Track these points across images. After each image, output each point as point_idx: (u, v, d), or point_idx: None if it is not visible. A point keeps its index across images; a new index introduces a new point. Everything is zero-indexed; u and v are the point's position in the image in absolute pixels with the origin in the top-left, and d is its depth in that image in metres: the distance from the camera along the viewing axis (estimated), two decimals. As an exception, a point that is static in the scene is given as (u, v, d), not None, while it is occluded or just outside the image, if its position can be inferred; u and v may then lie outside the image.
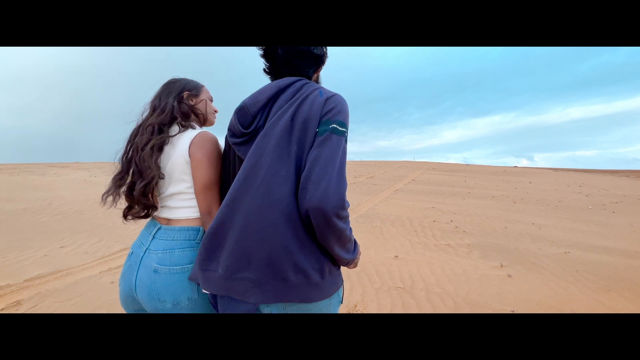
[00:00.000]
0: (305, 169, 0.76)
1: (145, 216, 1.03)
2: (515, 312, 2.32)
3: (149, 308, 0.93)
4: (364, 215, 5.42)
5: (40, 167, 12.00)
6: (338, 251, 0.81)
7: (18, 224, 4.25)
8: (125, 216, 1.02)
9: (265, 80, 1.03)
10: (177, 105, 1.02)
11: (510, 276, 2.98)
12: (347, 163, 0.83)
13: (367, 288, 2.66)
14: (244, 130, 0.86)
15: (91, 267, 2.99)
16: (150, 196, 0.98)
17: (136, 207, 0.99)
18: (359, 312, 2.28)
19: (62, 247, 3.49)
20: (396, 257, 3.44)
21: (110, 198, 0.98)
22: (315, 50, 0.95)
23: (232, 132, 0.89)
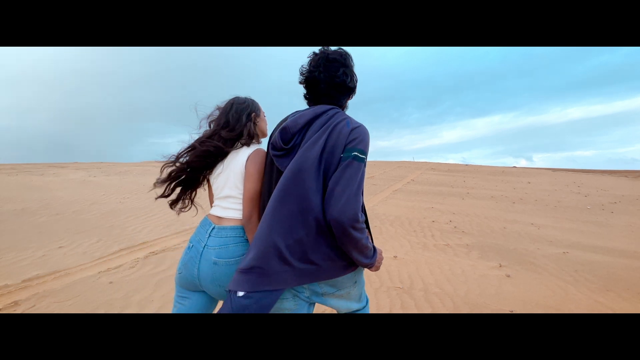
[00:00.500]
0: (329, 187, 0.95)
1: (172, 205, 1.28)
2: (514, 312, 2.32)
3: (212, 292, 1.15)
4: (363, 215, 5.40)
5: (38, 167, 11.96)
6: (356, 256, 0.99)
7: (16, 224, 4.23)
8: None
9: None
10: (249, 126, 1.23)
11: (509, 276, 2.98)
12: None
13: (365, 288, 2.65)
14: (284, 146, 1.04)
15: (89, 268, 2.98)
16: (168, 188, 1.24)
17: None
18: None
19: (60, 247, 3.48)
20: (395, 257, 3.44)
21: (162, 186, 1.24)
22: (349, 84, 1.14)
23: (273, 146, 1.07)
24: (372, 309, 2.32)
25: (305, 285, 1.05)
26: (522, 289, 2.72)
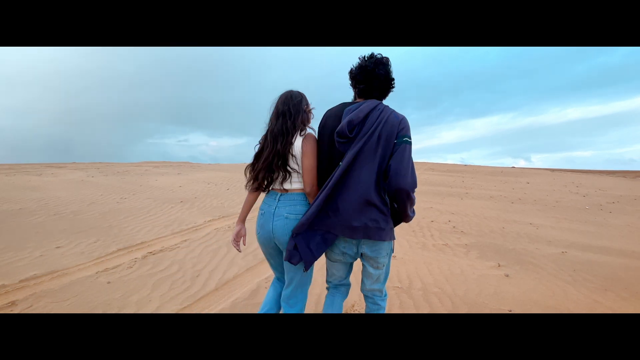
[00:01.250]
0: (393, 166, 1.27)
1: (267, 185, 1.53)
2: (512, 312, 2.32)
3: (282, 242, 1.45)
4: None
5: (36, 167, 11.92)
6: (409, 211, 1.36)
7: (14, 224, 4.21)
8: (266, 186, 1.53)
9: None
10: (304, 116, 1.51)
11: (507, 276, 2.99)
12: None
13: (365, 288, 2.65)
14: (349, 135, 1.31)
15: (87, 268, 2.97)
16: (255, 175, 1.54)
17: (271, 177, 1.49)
18: (356, 312, 2.28)
19: (58, 247, 3.47)
20: (394, 257, 3.44)
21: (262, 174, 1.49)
22: (393, 83, 1.44)
23: (339, 135, 1.33)
24: (371, 309, 2.32)
25: (354, 242, 1.40)
26: (521, 289, 2.72)
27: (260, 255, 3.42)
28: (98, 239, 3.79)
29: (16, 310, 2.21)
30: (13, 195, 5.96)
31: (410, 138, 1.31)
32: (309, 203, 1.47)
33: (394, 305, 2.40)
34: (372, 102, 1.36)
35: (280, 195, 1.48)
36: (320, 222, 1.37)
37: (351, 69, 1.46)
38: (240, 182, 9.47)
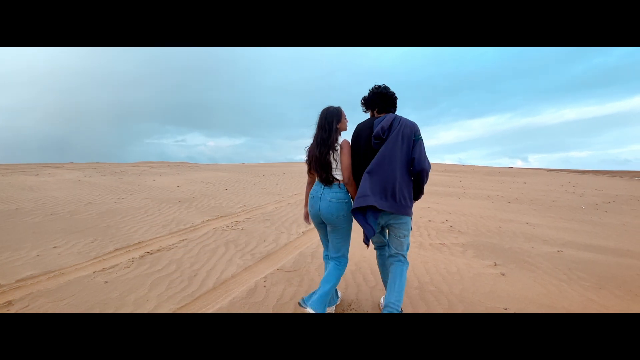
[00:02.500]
0: (416, 157, 1.87)
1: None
2: (508, 310, 2.34)
3: (326, 218, 1.99)
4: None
5: (33, 167, 11.86)
6: (423, 187, 2.01)
7: (10, 224, 4.20)
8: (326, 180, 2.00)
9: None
10: (340, 125, 2.01)
11: (503, 274, 3.01)
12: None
13: (362, 287, 2.66)
14: (382, 137, 1.88)
15: (84, 267, 2.96)
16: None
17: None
18: (353, 311, 2.29)
19: (55, 247, 3.46)
20: (391, 256, 3.45)
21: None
22: (396, 99, 2.08)
23: (375, 137, 1.90)
24: (368, 308, 2.34)
25: (382, 215, 1.94)
26: (517, 287, 2.74)
27: (259, 254, 3.44)
28: (95, 238, 3.78)
29: (13, 310, 2.21)
30: (10, 196, 5.93)
31: (421, 135, 1.91)
32: (346, 190, 1.98)
33: (390, 303, 2.41)
34: (392, 115, 1.97)
35: (325, 185, 2.00)
36: (366, 199, 1.80)
37: (365, 99, 2.10)
38: (238, 182, 9.45)
